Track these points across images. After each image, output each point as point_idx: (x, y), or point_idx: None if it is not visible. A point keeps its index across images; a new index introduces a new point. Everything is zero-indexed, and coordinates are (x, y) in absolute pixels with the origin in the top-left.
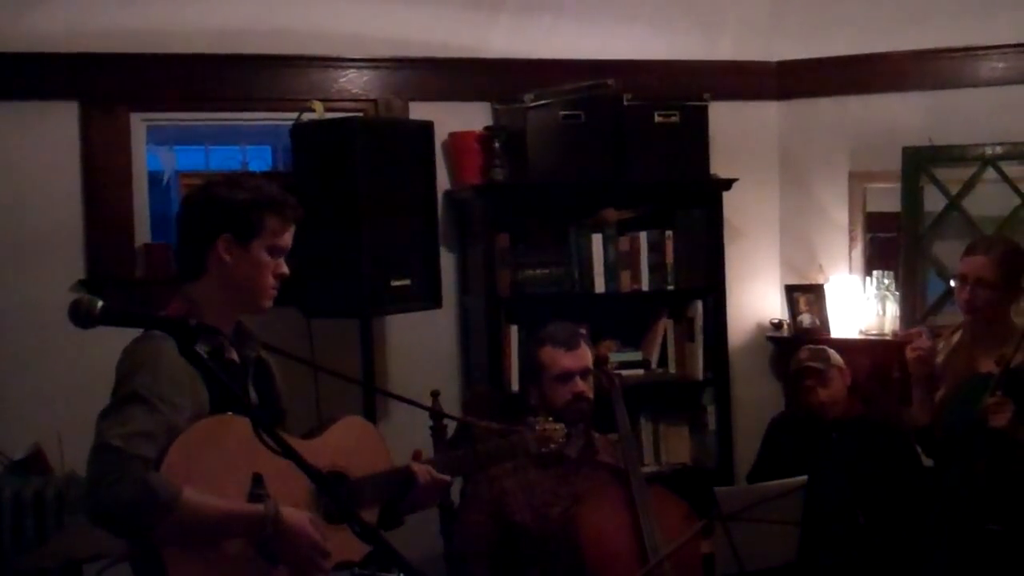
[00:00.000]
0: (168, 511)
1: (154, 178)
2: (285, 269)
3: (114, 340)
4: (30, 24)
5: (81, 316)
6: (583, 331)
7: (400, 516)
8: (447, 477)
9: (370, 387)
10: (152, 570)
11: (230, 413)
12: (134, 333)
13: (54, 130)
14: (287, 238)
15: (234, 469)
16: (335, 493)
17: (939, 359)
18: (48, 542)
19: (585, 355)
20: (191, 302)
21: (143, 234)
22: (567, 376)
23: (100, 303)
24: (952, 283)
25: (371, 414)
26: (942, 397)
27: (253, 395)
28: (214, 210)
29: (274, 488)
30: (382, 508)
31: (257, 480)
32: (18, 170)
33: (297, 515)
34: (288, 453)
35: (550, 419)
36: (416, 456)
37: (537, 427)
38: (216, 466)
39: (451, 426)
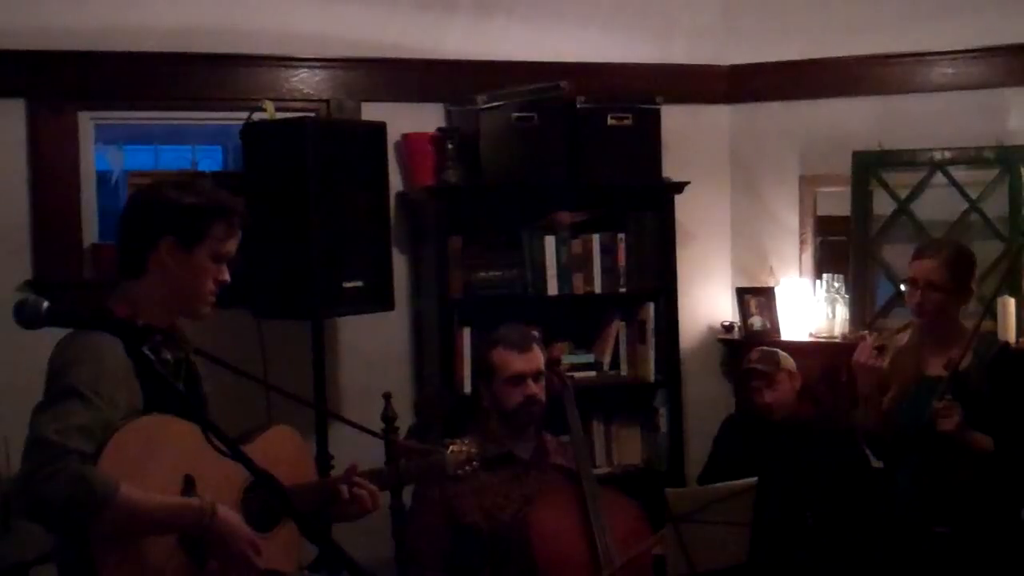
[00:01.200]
0: (105, 505)
1: (102, 178)
2: (226, 276)
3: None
4: None
5: (26, 316)
6: (536, 333)
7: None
8: (374, 489)
9: (321, 410)
10: (81, 571)
11: (166, 414)
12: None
13: (0, 128)
14: (231, 245)
15: (167, 470)
16: (285, 498)
17: (886, 361)
18: None
19: (537, 357)
20: (129, 302)
21: (91, 234)
22: (519, 378)
23: (46, 303)
24: (902, 287)
25: (322, 422)
26: (891, 399)
27: None
28: (160, 212)
29: (204, 491)
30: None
31: (188, 482)
32: None
33: (231, 513)
34: (236, 454)
35: (465, 440)
36: (351, 470)
37: (450, 449)
38: (150, 466)
39: (403, 432)
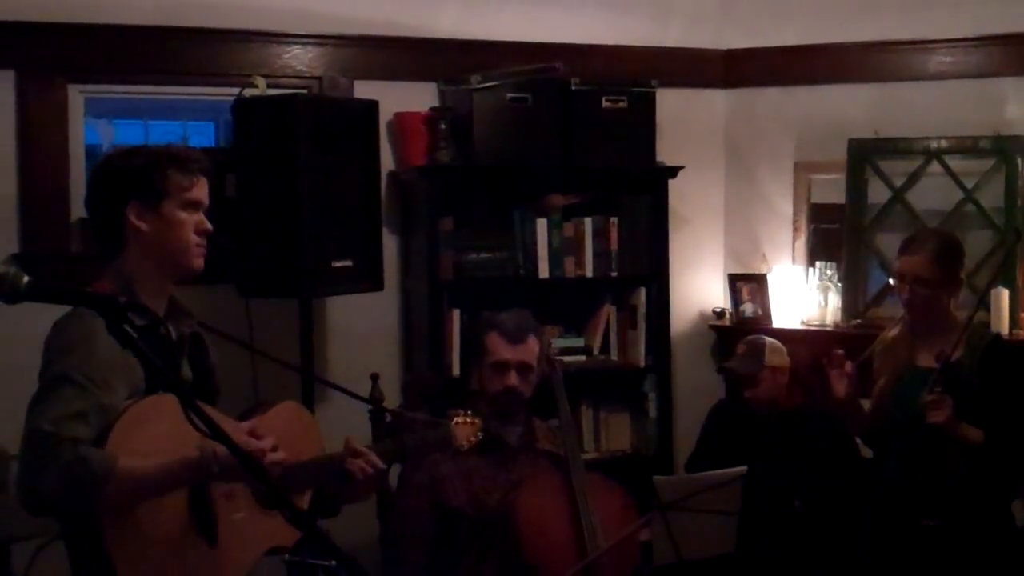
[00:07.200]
0: (105, 482)
1: (91, 152)
2: (207, 224)
3: (47, 317)
4: None
5: (5, 291)
6: (536, 325)
7: (337, 506)
8: (381, 464)
9: (308, 373)
10: (90, 550)
11: (165, 392)
12: (66, 309)
13: None
14: (198, 192)
15: (173, 449)
16: (264, 476)
17: (877, 349)
18: None
19: (527, 351)
20: (122, 278)
21: (79, 208)
22: (503, 367)
23: (26, 278)
24: (891, 281)
25: (309, 397)
26: (881, 388)
27: (188, 372)
28: (115, 180)
29: None
30: (315, 496)
31: None
32: None
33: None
34: (216, 434)
35: (468, 413)
36: (348, 444)
37: (455, 422)
38: (155, 446)
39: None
